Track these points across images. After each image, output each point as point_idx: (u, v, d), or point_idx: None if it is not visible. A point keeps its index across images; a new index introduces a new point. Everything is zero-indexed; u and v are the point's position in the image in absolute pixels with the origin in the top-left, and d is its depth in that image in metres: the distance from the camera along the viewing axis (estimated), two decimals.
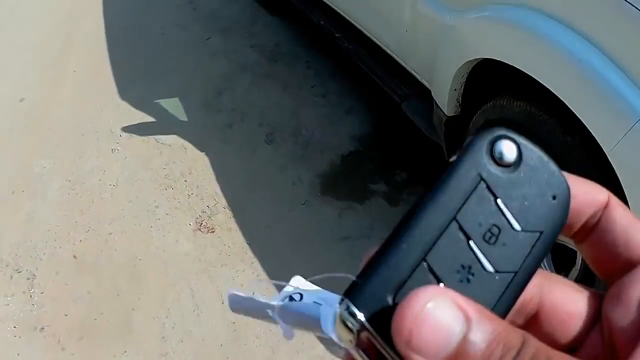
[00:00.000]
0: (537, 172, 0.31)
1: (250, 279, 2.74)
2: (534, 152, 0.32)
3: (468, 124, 2.54)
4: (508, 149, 0.31)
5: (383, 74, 3.18)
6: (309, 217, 2.99)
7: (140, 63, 4.36)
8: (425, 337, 0.27)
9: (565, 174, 0.33)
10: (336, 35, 3.60)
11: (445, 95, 2.53)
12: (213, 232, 2.96)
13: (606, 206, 0.34)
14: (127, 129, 3.68)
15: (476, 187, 0.31)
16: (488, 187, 0.31)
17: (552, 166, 0.32)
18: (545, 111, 2.07)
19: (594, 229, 0.35)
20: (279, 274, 2.72)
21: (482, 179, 0.31)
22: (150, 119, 3.75)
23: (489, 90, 2.40)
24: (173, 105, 3.82)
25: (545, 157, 0.32)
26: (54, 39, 4.85)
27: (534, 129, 2.10)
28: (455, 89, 2.50)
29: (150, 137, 3.59)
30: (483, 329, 0.28)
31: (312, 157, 3.32)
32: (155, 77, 4.16)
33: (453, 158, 0.31)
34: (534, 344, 0.28)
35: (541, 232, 0.31)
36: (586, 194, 0.34)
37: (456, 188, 0.30)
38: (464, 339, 0.27)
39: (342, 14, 3.48)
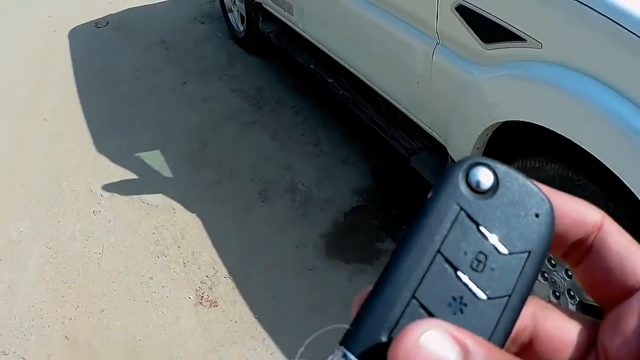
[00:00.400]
0: (516, 194, 0.31)
1: (264, 357, 2.54)
2: (510, 174, 0.31)
3: None
4: (484, 176, 0.31)
5: (386, 125, 3.03)
6: (318, 284, 2.80)
7: (115, 110, 4.13)
8: None
9: (554, 191, 0.33)
10: (328, 80, 3.43)
11: (466, 154, 2.37)
12: (216, 305, 2.75)
13: (600, 229, 0.33)
14: (108, 188, 3.44)
15: (457, 217, 0.30)
16: (469, 216, 0.30)
17: (531, 185, 0.32)
18: (584, 175, 1.92)
19: (588, 253, 0.33)
20: (294, 350, 2.53)
21: (461, 208, 0.30)
22: (131, 175, 3.52)
23: (517, 148, 2.25)
24: (155, 160, 3.60)
25: (522, 178, 0.31)
26: (21, 83, 4.61)
27: (572, 194, 1.94)
28: (478, 147, 2.34)
29: (134, 196, 3.36)
30: (481, 358, 0.27)
31: (312, 216, 3.14)
32: (133, 127, 3.93)
33: (430, 194, 0.31)
34: None
35: (529, 252, 0.31)
36: (576, 213, 0.33)
37: (437, 221, 0.30)
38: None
39: (338, 59, 3.31)
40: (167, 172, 3.50)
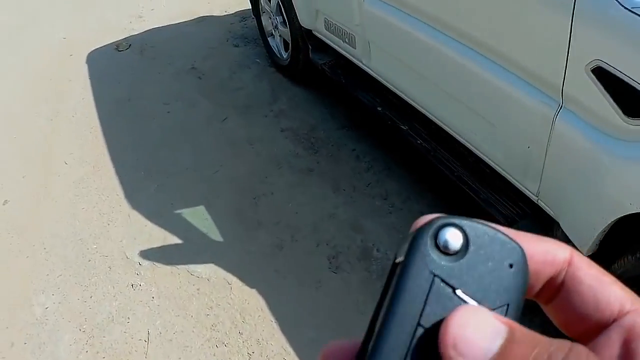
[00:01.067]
0: (488, 248, 0.31)
1: None
2: (479, 229, 0.31)
3: (605, 263, 1.92)
4: (452, 237, 0.31)
5: (478, 187, 2.56)
6: None
7: (146, 153, 3.63)
8: (471, 340, 0.27)
9: (522, 234, 0.33)
10: (402, 127, 2.95)
11: (587, 236, 1.94)
12: None
13: (570, 264, 0.33)
14: (147, 255, 2.95)
15: (432, 285, 0.30)
16: (443, 281, 0.30)
17: (501, 236, 0.31)
18: None
19: (559, 290, 0.33)
20: None
21: (435, 275, 0.30)
22: (173, 238, 3.02)
23: None
24: (199, 218, 3.10)
25: (491, 230, 0.31)
26: (35, 117, 4.13)
27: None
28: (604, 231, 1.89)
29: (179, 266, 2.87)
30: (528, 334, 0.29)
31: None
32: (168, 175, 3.43)
33: (400, 259, 0.31)
34: (583, 348, 0.29)
35: (508, 305, 0.31)
36: (545, 254, 0.33)
37: (412, 293, 0.30)
38: (510, 339, 0.28)
39: (415, 105, 2.82)
40: (215, 235, 3.00)
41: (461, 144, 2.61)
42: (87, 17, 5.56)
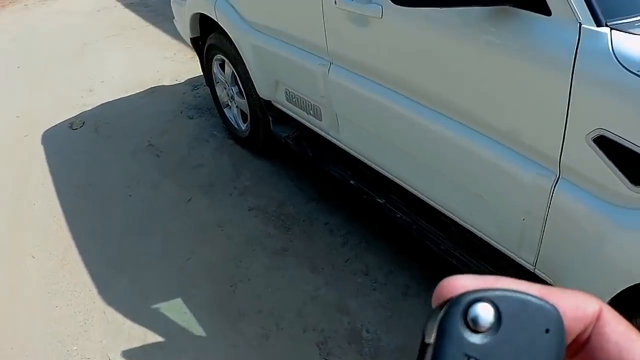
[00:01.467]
0: (521, 317, 0.30)
1: None
2: (509, 298, 0.30)
3: None
4: (483, 312, 0.29)
5: (468, 259, 2.53)
6: None
7: (113, 243, 3.54)
8: None
9: (551, 290, 0.32)
10: (378, 201, 2.93)
11: None
12: None
13: (598, 318, 0.32)
14: (129, 356, 2.87)
15: None
16: None
17: (534, 301, 0.30)
18: None
19: (584, 345, 0.33)
20: None
21: (469, 357, 0.29)
22: (154, 337, 2.94)
23: None
24: (178, 312, 3.03)
25: (522, 296, 0.30)
26: None
27: None
28: (609, 301, 1.87)
29: None
30: None
31: None
32: (139, 267, 3.34)
33: (429, 340, 0.30)
34: None
35: None
36: (576, 309, 0.32)
37: None
38: None
39: (393, 178, 2.80)
40: (196, 329, 2.93)
41: (443, 213, 2.57)
42: (39, 94, 5.45)
